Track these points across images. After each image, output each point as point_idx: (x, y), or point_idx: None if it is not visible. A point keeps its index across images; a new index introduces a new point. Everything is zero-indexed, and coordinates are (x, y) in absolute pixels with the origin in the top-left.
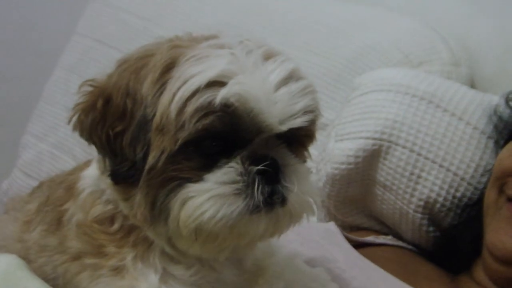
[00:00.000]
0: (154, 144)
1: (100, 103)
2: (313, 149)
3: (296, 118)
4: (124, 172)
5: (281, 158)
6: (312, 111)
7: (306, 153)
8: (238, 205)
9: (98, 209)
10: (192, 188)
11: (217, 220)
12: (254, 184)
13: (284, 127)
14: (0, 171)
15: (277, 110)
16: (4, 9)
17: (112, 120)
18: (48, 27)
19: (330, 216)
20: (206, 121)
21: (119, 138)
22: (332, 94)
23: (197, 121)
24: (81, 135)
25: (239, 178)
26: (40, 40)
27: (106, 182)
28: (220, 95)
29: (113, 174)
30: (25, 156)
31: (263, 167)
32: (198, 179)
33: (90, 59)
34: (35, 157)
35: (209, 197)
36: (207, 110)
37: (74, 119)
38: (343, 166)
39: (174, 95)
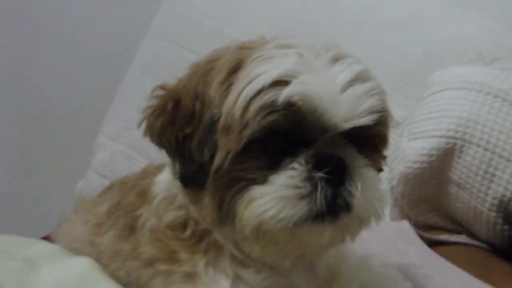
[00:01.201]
0: (221, 145)
1: (169, 106)
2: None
3: (361, 117)
4: (192, 174)
5: (349, 158)
6: (379, 112)
7: (380, 160)
8: (300, 208)
9: (171, 215)
10: (257, 190)
11: (277, 221)
12: (317, 188)
13: (348, 125)
14: (75, 172)
15: (342, 109)
16: (78, 9)
17: (181, 123)
18: (122, 27)
19: (403, 215)
20: (270, 118)
21: (188, 140)
22: (404, 92)
23: (261, 119)
24: (151, 138)
25: (303, 182)
26: (115, 40)
27: (177, 186)
28: (284, 94)
29: (182, 177)
30: (99, 157)
31: (326, 174)
32: (263, 179)
33: (162, 59)
34: (109, 157)
35: (272, 198)
36: (271, 108)
37: (144, 122)
38: (417, 165)
39: (239, 94)
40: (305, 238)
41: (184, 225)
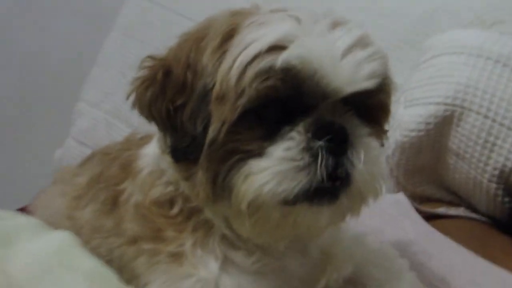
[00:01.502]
0: (215, 116)
1: (160, 76)
2: None
3: (362, 81)
4: (184, 148)
5: (351, 126)
6: (381, 76)
7: (382, 133)
8: (299, 180)
9: (158, 191)
10: (254, 165)
11: (275, 194)
12: (317, 159)
13: (350, 89)
14: (53, 140)
15: (343, 74)
16: None
17: (172, 93)
18: None
19: (399, 186)
20: (267, 84)
21: (180, 112)
22: (400, 57)
23: (257, 85)
24: (141, 111)
25: (301, 153)
26: (95, 1)
27: (167, 161)
28: (282, 58)
29: (173, 151)
30: (79, 124)
31: (327, 143)
32: (260, 151)
33: (147, 22)
34: (89, 124)
35: (271, 173)
36: (268, 74)
37: (133, 94)
38: (413, 133)
39: (234, 61)
40: (301, 219)
41: (171, 202)
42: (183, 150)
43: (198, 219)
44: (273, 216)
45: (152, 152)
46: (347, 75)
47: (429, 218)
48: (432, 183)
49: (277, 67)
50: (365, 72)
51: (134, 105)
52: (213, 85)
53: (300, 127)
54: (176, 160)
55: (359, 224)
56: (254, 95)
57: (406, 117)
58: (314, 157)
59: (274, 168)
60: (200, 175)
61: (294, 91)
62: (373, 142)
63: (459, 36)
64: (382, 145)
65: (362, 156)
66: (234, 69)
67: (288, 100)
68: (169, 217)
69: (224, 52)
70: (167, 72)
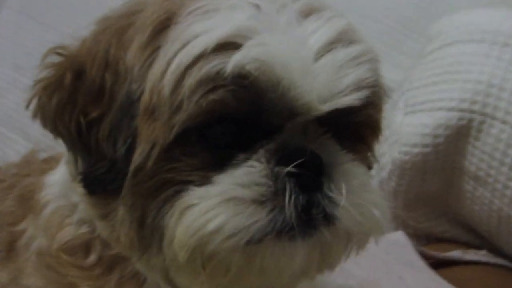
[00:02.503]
0: (142, 135)
1: (68, 78)
2: None
3: (344, 95)
4: (101, 176)
5: (326, 153)
6: (370, 87)
7: (369, 155)
8: (259, 217)
9: (68, 233)
10: (195, 193)
11: (227, 235)
12: (284, 191)
13: (326, 107)
14: None
15: (318, 83)
16: None
17: (85, 102)
18: None
19: (398, 221)
20: (214, 97)
21: (95, 127)
22: (399, 46)
23: (200, 98)
24: (44, 123)
25: (263, 180)
26: None
27: (78, 191)
28: (233, 61)
29: (86, 179)
30: None
31: (295, 169)
32: (203, 182)
33: None
34: None
35: (218, 201)
36: (214, 82)
37: (34, 101)
38: (416, 150)
39: (169, 63)
40: (269, 262)
41: (87, 247)
42: (99, 178)
43: (124, 271)
44: (232, 264)
45: (60, 180)
46: (323, 86)
47: (439, 265)
48: (442, 217)
49: (227, 73)
50: (348, 81)
51: (34, 115)
52: (141, 94)
53: (260, 155)
54: (89, 192)
55: (346, 274)
56: (195, 111)
57: (406, 128)
58: (281, 187)
59: (224, 195)
60: (122, 214)
61: (250, 106)
62: (357, 168)
63: (478, 19)
64: (370, 168)
65: (343, 188)
66: (168, 74)
67: (242, 118)
68: (84, 268)
69: (155, 50)
70: (79, 73)
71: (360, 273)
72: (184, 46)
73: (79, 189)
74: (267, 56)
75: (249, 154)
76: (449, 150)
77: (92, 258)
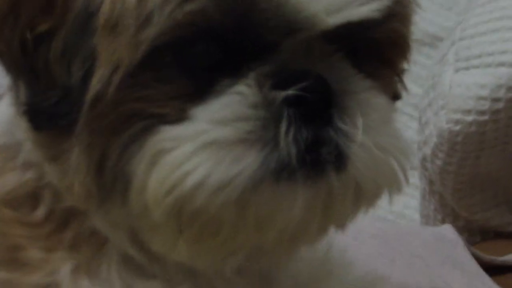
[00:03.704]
0: (102, 56)
1: None
2: (410, 82)
3: (360, 4)
4: (50, 107)
5: (336, 78)
6: None
7: (395, 81)
8: (250, 160)
9: (11, 180)
10: (168, 133)
11: (211, 189)
12: (280, 123)
13: (335, 20)
14: None
15: None
16: None
17: (32, 11)
18: None
19: (445, 210)
20: (191, 7)
21: (44, 45)
22: None
23: (175, 8)
24: None
25: (251, 112)
26: None
27: (23, 127)
28: None
29: (31, 111)
30: None
31: (296, 92)
32: (179, 116)
33: None
34: None
35: (198, 147)
36: None
37: None
38: (470, 118)
39: None
40: (264, 211)
41: (34, 198)
42: (48, 110)
43: (81, 228)
44: (224, 221)
45: (4, 115)
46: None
47: (495, 269)
48: (502, 205)
49: None
50: None
51: None
52: (101, 4)
53: (250, 79)
54: (35, 128)
55: (370, 268)
56: (169, 24)
57: (457, 89)
58: (276, 117)
59: (204, 137)
60: (77, 155)
61: (238, 19)
62: (377, 99)
63: None
64: (398, 97)
65: (359, 122)
66: None
67: (228, 35)
68: (32, 224)
69: None
70: None
71: (396, 274)
72: None
73: (23, 124)
74: None
75: (236, 78)
76: None
77: (41, 211)
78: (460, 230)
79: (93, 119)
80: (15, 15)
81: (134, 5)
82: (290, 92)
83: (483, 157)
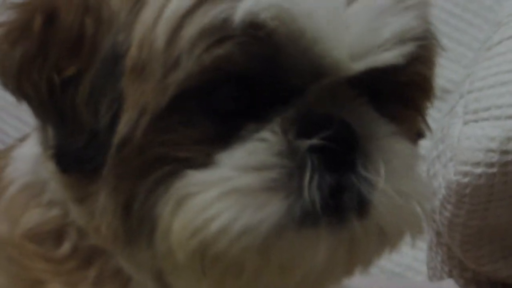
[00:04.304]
0: (129, 99)
1: (38, 22)
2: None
3: (384, 50)
4: (78, 150)
5: (360, 123)
6: (418, 39)
7: (419, 121)
8: (275, 207)
9: (35, 216)
10: (194, 178)
11: (236, 234)
12: (304, 170)
13: (360, 66)
14: None
15: (350, 36)
16: None
17: (60, 54)
18: None
19: (453, 262)
20: (219, 52)
21: (71, 88)
22: (457, 35)
23: (202, 53)
24: (4, 81)
25: (276, 160)
26: None
27: (49, 169)
28: (244, 7)
29: (59, 153)
30: None
31: (321, 142)
32: (205, 160)
33: None
34: None
35: (223, 193)
36: (220, 33)
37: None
38: (479, 170)
39: (162, 8)
40: (287, 257)
41: (58, 235)
42: (76, 154)
43: (105, 266)
44: (246, 265)
45: (30, 153)
46: (357, 38)
47: None
48: (511, 257)
49: (237, 22)
50: (390, 33)
51: None
52: (128, 47)
53: (275, 125)
54: (63, 170)
55: None
56: (196, 68)
57: (466, 142)
58: (301, 165)
59: (229, 184)
60: (104, 198)
61: (264, 64)
62: (400, 144)
63: None
64: (422, 136)
65: (382, 169)
66: (162, 21)
67: (254, 79)
68: (55, 260)
69: None
70: (51, 17)
71: None
72: None
73: (50, 165)
74: (286, 1)
75: (261, 123)
76: None
77: (65, 248)
78: (468, 282)
79: (120, 163)
80: (43, 57)
81: (162, 49)
82: (315, 141)
83: (491, 209)
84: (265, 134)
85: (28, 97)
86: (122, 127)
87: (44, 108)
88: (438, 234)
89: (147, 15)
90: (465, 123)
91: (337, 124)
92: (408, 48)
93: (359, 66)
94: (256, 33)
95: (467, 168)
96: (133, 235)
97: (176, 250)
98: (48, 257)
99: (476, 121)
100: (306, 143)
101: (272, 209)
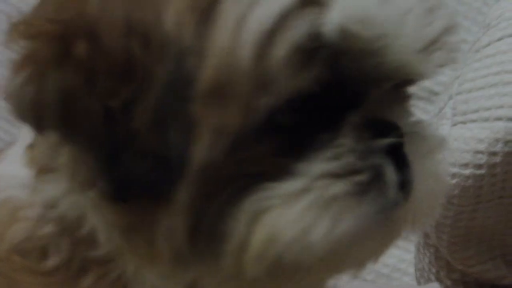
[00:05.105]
0: (205, 122)
1: (81, 49)
2: None
3: (437, 49)
4: (142, 176)
5: (403, 123)
6: (452, 32)
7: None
8: (367, 209)
9: (21, 232)
10: (273, 191)
11: (336, 241)
12: (383, 171)
13: (426, 67)
14: None
15: (414, 38)
16: None
17: (110, 80)
18: None
19: (440, 263)
20: (311, 69)
21: (125, 114)
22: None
23: (296, 72)
24: (40, 114)
25: (360, 163)
26: None
27: (88, 198)
28: (333, 20)
29: (117, 182)
30: None
31: (396, 139)
32: (278, 173)
33: None
34: None
35: (313, 202)
36: (311, 50)
37: (18, 83)
38: (467, 172)
39: (239, 27)
40: (367, 254)
41: (47, 249)
42: (139, 180)
43: (103, 275)
44: (330, 263)
45: (8, 174)
46: (419, 41)
47: None
48: (499, 258)
49: (327, 36)
50: (437, 33)
51: (17, 105)
52: (200, 71)
53: (347, 131)
54: (121, 199)
55: None
56: (288, 90)
57: (454, 143)
58: (378, 170)
59: (315, 193)
60: (169, 222)
61: (341, 76)
62: (432, 134)
63: None
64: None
65: (421, 158)
66: (244, 42)
67: (326, 91)
68: (43, 273)
69: (209, 9)
70: (95, 43)
71: None
72: (256, 2)
73: (89, 194)
74: (366, 9)
75: (333, 132)
76: (509, 173)
77: (55, 260)
78: (456, 283)
79: (192, 185)
80: (91, 86)
81: (248, 71)
82: (390, 140)
83: (479, 210)
84: (342, 140)
85: (75, 129)
86: (199, 151)
87: (96, 138)
88: (426, 235)
89: (220, 36)
90: (454, 124)
91: (394, 126)
92: (447, 46)
93: (424, 68)
94: (348, 44)
95: (455, 170)
96: (198, 256)
97: (250, 265)
98: (35, 270)
99: (464, 122)
100: (382, 142)
101: (364, 211)
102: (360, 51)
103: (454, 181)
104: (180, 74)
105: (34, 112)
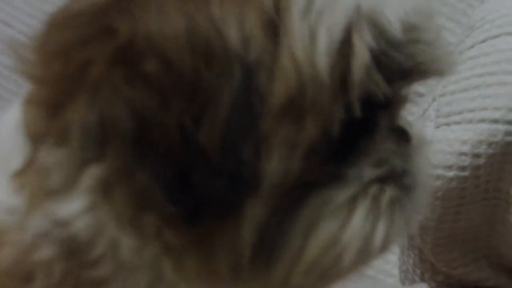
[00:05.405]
0: (277, 137)
1: (151, 64)
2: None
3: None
4: (219, 194)
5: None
6: None
7: None
8: (410, 215)
9: (9, 256)
10: (326, 199)
11: (389, 242)
12: (410, 168)
13: (452, 63)
14: None
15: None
16: None
17: (181, 96)
18: None
19: (424, 265)
20: (379, 75)
21: (201, 129)
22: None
23: (371, 78)
24: (105, 140)
25: (402, 164)
26: None
27: (151, 220)
28: (396, 13)
29: (196, 204)
30: None
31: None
32: (329, 179)
33: None
34: None
35: (368, 210)
36: (381, 53)
37: (80, 106)
38: (451, 174)
39: (312, 40)
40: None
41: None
42: (219, 194)
43: None
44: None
45: None
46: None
47: None
48: (482, 260)
49: (396, 34)
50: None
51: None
52: (273, 87)
53: (385, 135)
54: (193, 219)
55: None
56: (364, 96)
57: (438, 145)
58: (408, 166)
59: (365, 197)
60: (238, 238)
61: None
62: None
63: None
64: None
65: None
66: (323, 51)
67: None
68: None
69: (274, 23)
70: (165, 63)
71: None
72: (325, 10)
73: (147, 219)
74: (417, 1)
75: (371, 132)
76: (492, 175)
77: (39, 285)
78: (440, 285)
79: (264, 200)
80: (165, 104)
81: (327, 86)
82: (417, 139)
83: (463, 212)
84: (384, 144)
85: (150, 150)
86: (272, 166)
87: (172, 158)
88: (410, 237)
89: (295, 50)
90: (437, 126)
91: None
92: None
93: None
94: (404, 41)
95: (439, 172)
96: (255, 269)
97: (301, 273)
98: None
99: (448, 124)
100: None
101: (409, 214)
102: (417, 42)
103: (438, 183)
104: (249, 90)
105: (99, 137)
